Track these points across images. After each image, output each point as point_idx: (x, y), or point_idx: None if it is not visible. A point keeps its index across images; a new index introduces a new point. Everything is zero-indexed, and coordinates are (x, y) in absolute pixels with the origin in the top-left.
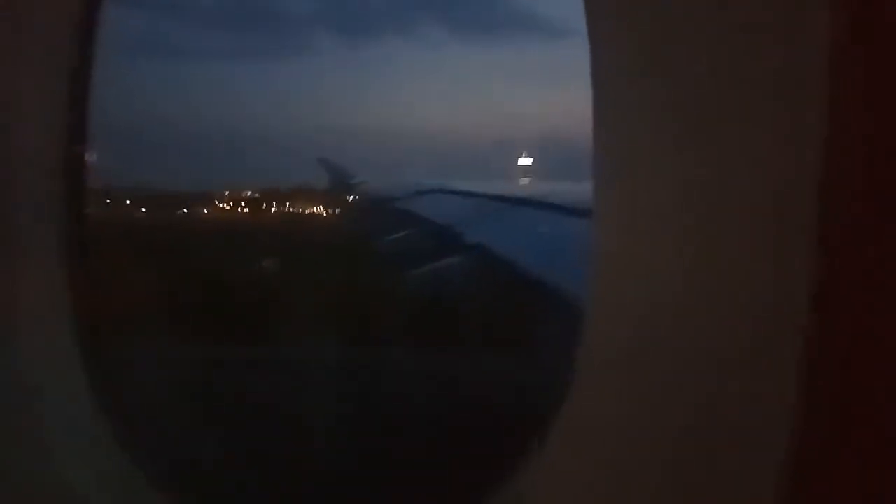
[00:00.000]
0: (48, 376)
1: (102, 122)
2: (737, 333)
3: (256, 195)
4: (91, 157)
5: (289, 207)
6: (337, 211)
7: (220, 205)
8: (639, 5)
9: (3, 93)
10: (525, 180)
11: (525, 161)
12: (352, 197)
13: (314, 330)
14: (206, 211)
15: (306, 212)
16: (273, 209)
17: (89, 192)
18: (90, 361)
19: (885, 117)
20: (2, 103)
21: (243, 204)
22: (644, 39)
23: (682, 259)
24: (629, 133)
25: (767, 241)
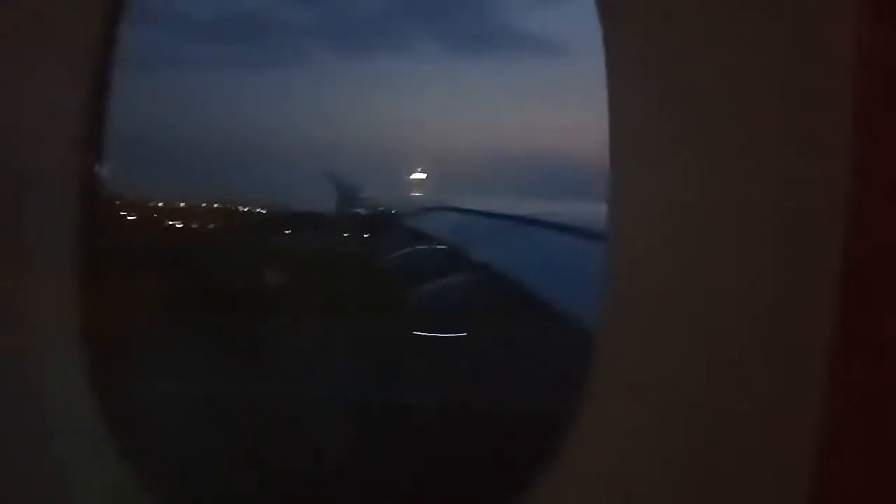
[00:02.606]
0: (54, 390)
1: (108, 134)
2: (759, 340)
3: (261, 210)
4: (100, 169)
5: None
6: (342, 227)
7: (228, 217)
8: (657, 16)
9: (18, 110)
10: (418, 193)
11: (418, 176)
12: (357, 212)
13: (320, 344)
14: (214, 223)
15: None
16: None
17: (99, 204)
18: (97, 376)
19: None
20: (16, 119)
21: (250, 218)
22: (662, 50)
23: (703, 267)
24: (645, 146)
25: (791, 247)
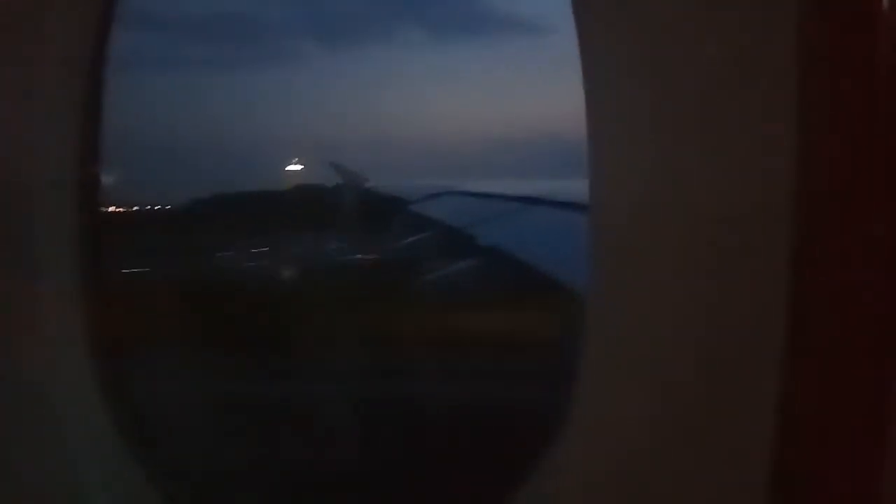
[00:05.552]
0: (62, 395)
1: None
2: (724, 332)
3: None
4: (99, 172)
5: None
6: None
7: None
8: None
9: (16, 119)
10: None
11: (294, 167)
12: (363, 201)
13: (331, 337)
14: (217, 223)
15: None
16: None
17: (99, 207)
18: (105, 380)
19: (856, 118)
20: (12, 124)
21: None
22: (633, 35)
23: (675, 257)
24: (623, 128)
25: (755, 239)
